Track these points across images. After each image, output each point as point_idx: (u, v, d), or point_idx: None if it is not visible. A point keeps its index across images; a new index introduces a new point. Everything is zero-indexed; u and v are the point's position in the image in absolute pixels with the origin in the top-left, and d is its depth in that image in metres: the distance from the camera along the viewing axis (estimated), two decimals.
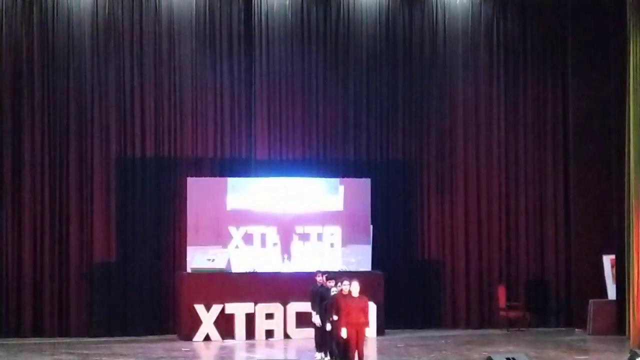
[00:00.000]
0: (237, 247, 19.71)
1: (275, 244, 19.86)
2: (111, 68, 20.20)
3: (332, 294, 15.27)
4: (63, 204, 19.88)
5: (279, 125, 20.78)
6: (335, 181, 20.28)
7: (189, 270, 19.38)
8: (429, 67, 21.53)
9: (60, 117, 19.98)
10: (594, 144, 20.78)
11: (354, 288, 14.74)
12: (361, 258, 20.01)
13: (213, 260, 19.17)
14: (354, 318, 14.71)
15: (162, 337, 19.19)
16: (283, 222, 19.90)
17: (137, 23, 20.39)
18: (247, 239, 19.77)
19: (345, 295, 14.81)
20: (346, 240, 20.11)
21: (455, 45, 21.61)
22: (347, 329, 14.66)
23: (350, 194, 20.22)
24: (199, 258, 19.24)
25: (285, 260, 19.83)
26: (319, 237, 20.07)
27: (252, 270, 19.51)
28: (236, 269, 19.52)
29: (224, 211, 19.75)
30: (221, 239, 19.62)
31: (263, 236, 19.81)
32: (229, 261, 19.40)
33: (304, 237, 20.01)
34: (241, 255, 19.69)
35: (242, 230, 19.74)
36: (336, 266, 19.40)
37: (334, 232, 20.12)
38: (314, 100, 21.09)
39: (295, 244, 19.96)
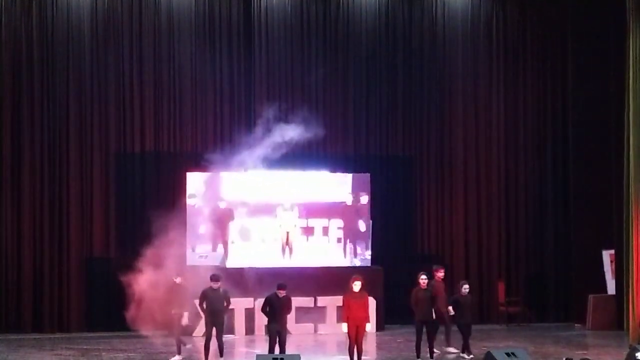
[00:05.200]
0: (232, 242, 19.56)
1: (275, 239, 19.80)
2: (110, 64, 20.24)
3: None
4: (63, 200, 19.91)
5: (278, 120, 20.76)
6: (342, 175, 20.10)
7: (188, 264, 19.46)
8: (428, 64, 21.58)
9: (60, 113, 20.02)
10: (593, 141, 20.84)
11: (356, 284, 14.91)
12: (370, 253, 19.90)
13: (206, 257, 19.12)
14: (354, 313, 14.85)
15: (161, 332, 19.17)
16: (285, 215, 19.82)
17: (136, 19, 20.43)
18: (245, 233, 19.72)
19: (347, 292, 15.01)
20: (354, 235, 19.89)
21: (454, 42, 21.65)
22: (348, 324, 14.82)
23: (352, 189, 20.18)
24: (191, 255, 19.15)
25: (287, 256, 19.73)
26: (324, 231, 19.81)
27: (250, 267, 19.50)
28: (232, 264, 19.35)
29: (223, 205, 19.76)
30: (220, 233, 19.57)
31: (263, 230, 19.74)
32: (222, 258, 19.30)
33: (308, 231, 19.78)
34: (239, 251, 19.58)
35: (239, 224, 19.59)
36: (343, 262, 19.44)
37: (341, 226, 19.81)
38: (314, 96, 21.12)
39: (298, 239, 19.82)
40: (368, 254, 19.71)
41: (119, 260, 19.04)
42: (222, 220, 19.49)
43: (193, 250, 19.28)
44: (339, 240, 19.75)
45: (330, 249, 19.73)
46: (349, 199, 19.80)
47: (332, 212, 19.70)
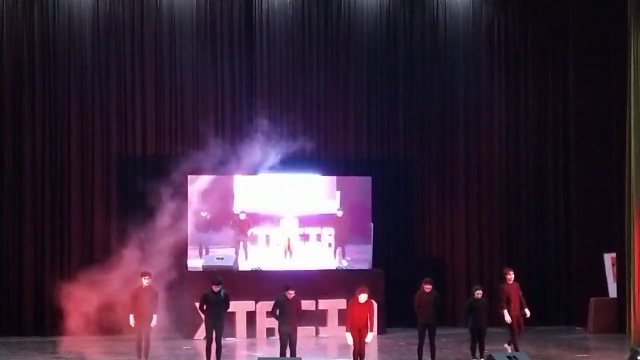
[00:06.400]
0: (246, 246, 20.21)
1: (278, 245, 20.22)
2: (112, 66, 20.26)
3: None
4: (64, 202, 19.95)
5: (280, 122, 20.82)
6: (333, 187, 20.40)
7: (190, 268, 19.57)
8: (429, 66, 21.57)
9: (62, 115, 20.07)
10: (594, 142, 20.85)
11: (362, 296, 14.83)
12: (356, 257, 20.28)
13: (222, 258, 19.51)
14: (357, 320, 14.85)
15: (163, 335, 19.13)
16: (287, 225, 20.25)
17: (137, 21, 20.47)
18: (252, 239, 20.21)
19: (353, 301, 15.05)
20: (344, 241, 20.35)
21: (456, 44, 21.65)
22: (351, 331, 14.82)
23: (349, 195, 20.36)
24: (209, 257, 19.63)
25: (288, 257, 20.17)
26: (318, 237, 20.40)
27: (257, 268, 19.74)
28: (242, 266, 19.86)
29: (226, 209, 19.89)
30: (239, 240, 20.08)
31: (267, 237, 20.23)
32: (235, 260, 19.66)
33: (305, 237, 20.32)
34: (248, 254, 20.19)
35: (248, 231, 20.20)
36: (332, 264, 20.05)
37: (332, 233, 20.43)
38: (315, 99, 21.13)
39: (297, 244, 20.28)
40: (348, 258, 20.38)
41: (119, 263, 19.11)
42: (241, 229, 20.09)
43: (207, 252, 19.75)
44: (329, 245, 20.39)
45: (323, 253, 20.35)
46: (339, 212, 20.36)
47: (325, 222, 20.38)
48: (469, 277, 21.26)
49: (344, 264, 20.16)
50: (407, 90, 21.46)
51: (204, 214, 19.87)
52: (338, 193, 20.34)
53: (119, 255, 19.62)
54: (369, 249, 20.22)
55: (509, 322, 16.77)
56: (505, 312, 16.74)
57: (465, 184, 21.55)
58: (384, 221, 20.78)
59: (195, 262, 19.73)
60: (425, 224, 21.45)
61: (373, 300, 19.23)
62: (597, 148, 20.79)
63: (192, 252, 19.78)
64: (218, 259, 19.51)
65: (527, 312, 16.92)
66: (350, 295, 19.26)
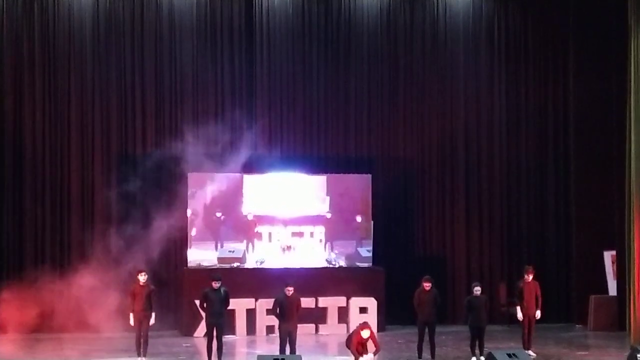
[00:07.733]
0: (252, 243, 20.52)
1: (279, 240, 20.34)
2: (112, 65, 20.30)
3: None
4: (64, 201, 19.96)
5: (280, 121, 20.86)
6: (327, 189, 20.46)
7: (190, 263, 19.67)
8: (430, 65, 21.58)
9: (61, 114, 20.09)
10: (594, 141, 20.86)
11: (364, 332, 14.80)
12: (342, 250, 20.47)
13: (233, 251, 19.96)
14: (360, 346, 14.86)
15: (163, 332, 19.11)
16: (282, 222, 20.39)
17: (138, 20, 20.50)
18: (257, 236, 20.30)
19: (355, 335, 15.04)
20: (334, 237, 20.54)
21: (456, 43, 21.66)
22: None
23: (346, 193, 20.44)
24: (223, 250, 20.06)
25: (285, 253, 20.31)
26: (311, 234, 20.57)
27: (261, 261, 20.00)
28: (249, 260, 20.11)
29: (228, 206, 20.04)
30: (246, 237, 20.22)
31: (270, 235, 20.33)
32: (244, 253, 19.98)
33: (299, 234, 20.52)
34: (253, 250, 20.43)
35: (255, 229, 20.40)
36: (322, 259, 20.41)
37: (322, 231, 20.59)
38: (315, 97, 21.15)
39: (293, 242, 20.44)
40: (336, 252, 20.68)
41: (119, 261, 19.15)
42: (248, 228, 20.29)
43: (222, 246, 20.07)
44: (320, 241, 20.58)
45: (315, 248, 20.54)
46: (327, 215, 20.57)
47: (316, 222, 20.56)
48: (468, 274, 21.24)
49: (332, 256, 20.37)
50: (407, 88, 21.47)
51: (218, 214, 20.12)
52: (327, 198, 20.53)
53: (119, 253, 19.76)
54: (352, 244, 20.45)
55: (520, 319, 16.84)
56: (518, 308, 16.81)
57: (465, 181, 21.55)
58: (384, 219, 20.80)
59: (211, 255, 19.94)
60: (426, 221, 21.45)
61: (373, 298, 19.45)
62: (598, 147, 20.79)
63: (207, 245, 19.99)
64: (230, 251, 19.96)
65: (538, 313, 16.87)
66: (349, 293, 19.49)
